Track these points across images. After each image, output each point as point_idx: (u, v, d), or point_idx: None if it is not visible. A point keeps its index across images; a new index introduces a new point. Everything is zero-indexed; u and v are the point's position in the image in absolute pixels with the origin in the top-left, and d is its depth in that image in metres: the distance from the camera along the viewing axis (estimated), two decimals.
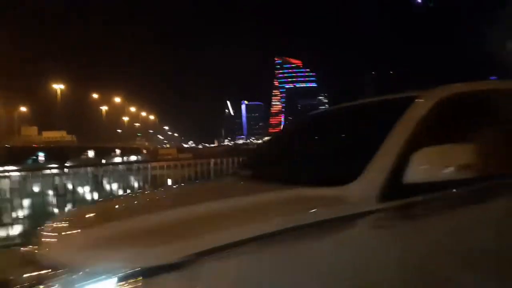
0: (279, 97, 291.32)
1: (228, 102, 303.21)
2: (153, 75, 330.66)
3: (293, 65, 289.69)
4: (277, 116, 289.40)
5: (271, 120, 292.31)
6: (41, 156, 55.36)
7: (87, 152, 70.07)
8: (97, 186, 7.55)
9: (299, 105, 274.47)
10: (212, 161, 8.36)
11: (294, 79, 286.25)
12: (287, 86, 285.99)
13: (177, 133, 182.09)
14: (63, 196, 7.00)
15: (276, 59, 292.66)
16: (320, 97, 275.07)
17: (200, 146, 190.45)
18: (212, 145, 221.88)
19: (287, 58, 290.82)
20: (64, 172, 7.46)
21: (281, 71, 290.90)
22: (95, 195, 7.38)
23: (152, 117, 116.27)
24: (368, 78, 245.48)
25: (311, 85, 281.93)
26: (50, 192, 6.92)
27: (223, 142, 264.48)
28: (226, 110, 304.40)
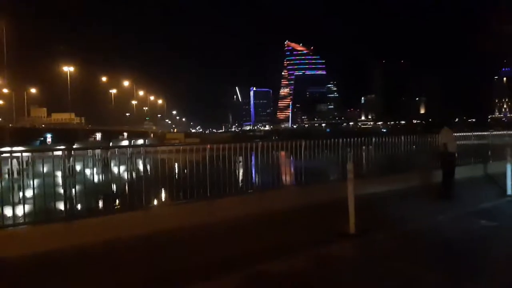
0: (287, 84, 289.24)
1: (237, 88, 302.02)
2: (162, 60, 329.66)
3: (303, 52, 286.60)
4: (285, 100, 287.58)
5: (279, 103, 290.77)
6: (49, 138, 55.74)
7: (95, 135, 70.53)
8: (104, 168, 7.57)
9: (308, 92, 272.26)
10: (220, 146, 8.33)
11: (303, 66, 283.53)
12: (296, 73, 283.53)
13: (185, 118, 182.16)
14: (70, 177, 7.02)
15: (286, 45, 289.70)
16: (329, 85, 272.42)
17: (207, 132, 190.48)
18: (220, 131, 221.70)
19: (297, 45, 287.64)
20: (71, 154, 7.46)
21: (290, 58, 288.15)
22: (102, 177, 7.40)
23: (160, 101, 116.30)
24: (377, 66, 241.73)
25: (320, 73, 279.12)
26: (58, 174, 6.94)
27: (231, 128, 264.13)
28: (235, 96, 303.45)
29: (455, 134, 10.51)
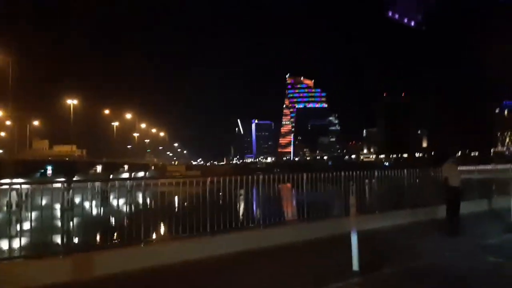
0: (289, 117, 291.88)
1: (239, 121, 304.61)
2: (165, 93, 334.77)
3: (304, 85, 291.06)
4: (287, 136, 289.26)
5: (280, 140, 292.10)
6: (49, 170, 55.74)
7: (96, 167, 70.50)
8: (103, 201, 7.49)
9: (309, 125, 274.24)
10: (220, 179, 8.25)
11: (305, 99, 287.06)
12: (298, 106, 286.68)
13: (186, 151, 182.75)
14: (69, 210, 6.92)
15: (287, 78, 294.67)
16: (331, 118, 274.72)
17: (208, 164, 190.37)
18: (221, 163, 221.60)
19: (299, 78, 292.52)
20: (71, 187, 7.40)
21: (292, 91, 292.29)
22: (102, 210, 7.30)
23: (162, 133, 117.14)
24: (379, 99, 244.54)
25: (322, 106, 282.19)
26: (57, 206, 6.85)
27: (232, 160, 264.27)
28: (236, 129, 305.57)
29: (460, 168, 10.42)
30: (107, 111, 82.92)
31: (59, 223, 6.80)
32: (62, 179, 9.13)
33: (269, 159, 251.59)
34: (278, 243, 7.98)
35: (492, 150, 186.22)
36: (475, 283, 5.66)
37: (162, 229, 8.32)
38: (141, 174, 64.06)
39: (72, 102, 66.98)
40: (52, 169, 55.84)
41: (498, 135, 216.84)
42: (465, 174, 12.19)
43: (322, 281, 5.67)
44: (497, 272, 6.28)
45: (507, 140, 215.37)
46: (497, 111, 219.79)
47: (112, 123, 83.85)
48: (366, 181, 10.65)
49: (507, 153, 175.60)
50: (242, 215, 8.71)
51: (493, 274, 6.16)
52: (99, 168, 69.89)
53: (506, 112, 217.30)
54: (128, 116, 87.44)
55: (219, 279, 6.13)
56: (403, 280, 5.93)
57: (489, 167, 14.32)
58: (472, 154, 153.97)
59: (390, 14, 10.35)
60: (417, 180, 11.47)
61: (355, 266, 6.12)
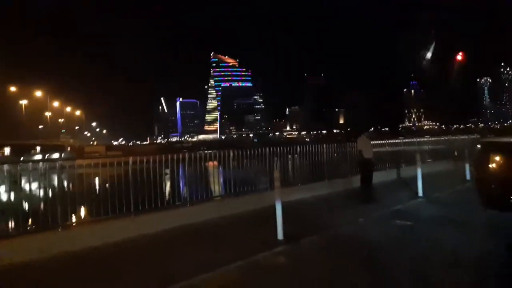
0: (215, 96, 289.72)
1: (162, 99, 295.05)
2: (80, 70, 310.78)
3: (229, 64, 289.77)
4: (213, 113, 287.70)
5: (206, 117, 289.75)
6: None
7: (3, 150, 64.16)
8: (14, 185, 6.85)
9: (235, 104, 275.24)
10: (143, 159, 7.99)
11: (230, 78, 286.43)
12: (223, 85, 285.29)
13: (106, 130, 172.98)
14: None
15: (212, 57, 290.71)
16: (256, 97, 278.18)
17: (131, 144, 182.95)
18: (145, 142, 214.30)
19: (223, 57, 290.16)
20: None
21: (217, 70, 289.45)
22: (12, 196, 6.69)
23: (78, 112, 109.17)
24: (301, 79, 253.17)
25: (246, 85, 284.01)
26: None
27: (157, 140, 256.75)
28: (160, 107, 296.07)
29: (372, 142, 11.27)
30: (13, 88, 75.06)
31: None
32: None
33: (195, 138, 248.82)
34: (205, 220, 8.04)
35: (400, 126, 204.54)
36: (385, 245, 6.25)
37: (82, 212, 7.89)
38: (56, 156, 59.52)
39: None
40: None
41: (406, 112, 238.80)
42: (377, 147, 13.25)
43: (248, 252, 5.83)
44: (403, 233, 6.99)
45: (413, 116, 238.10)
46: (405, 90, 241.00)
47: (20, 102, 76.21)
48: (289, 156, 11.08)
49: (413, 128, 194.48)
50: (168, 194, 8.58)
51: (400, 235, 6.85)
52: (7, 151, 63.61)
53: (413, 92, 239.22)
54: (39, 94, 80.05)
55: (140, 258, 6.03)
56: (323, 245, 6.35)
57: (397, 140, 15.68)
58: (383, 129, 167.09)
59: None
60: (335, 154, 12.20)
61: (280, 235, 6.42)
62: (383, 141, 14.37)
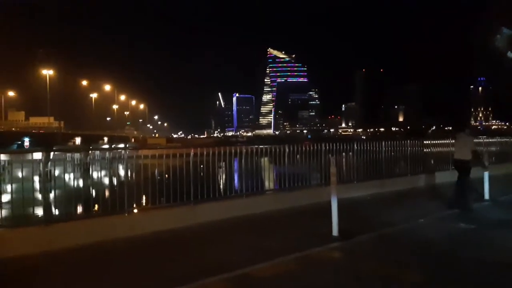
0: (270, 91, 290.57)
1: (220, 94, 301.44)
2: (145, 64, 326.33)
3: (285, 60, 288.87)
4: (268, 106, 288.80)
5: (262, 110, 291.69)
6: (27, 142, 54.36)
7: (75, 139, 69.15)
8: (84, 173, 7.42)
9: (290, 99, 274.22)
10: (203, 151, 8.29)
11: (286, 74, 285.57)
12: (278, 80, 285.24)
13: (166, 123, 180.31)
14: (48, 182, 6.85)
15: (268, 53, 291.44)
16: (311, 93, 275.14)
17: (189, 137, 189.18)
18: (202, 136, 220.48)
19: (279, 53, 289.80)
20: (51, 158, 7.31)
21: (273, 65, 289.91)
22: (81, 182, 7.25)
23: (142, 106, 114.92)
24: (358, 74, 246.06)
25: (302, 80, 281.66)
26: (36, 178, 6.78)
27: (213, 133, 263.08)
28: (217, 102, 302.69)
29: (443, 141, 10.69)
30: (85, 82, 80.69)
31: (39, 195, 6.77)
32: (41, 150, 8.96)
33: (250, 133, 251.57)
34: (260, 212, 8.19)
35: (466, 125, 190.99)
36: (444, 246, 6.00)
37: (145, 200, 8.37)
38: (121, 146, 63.12)
39: (48, 72, 64.62)
40: (30, 141, 54.40)
41: (472, 110, 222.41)
42: (439, 147, 12.66)
43: (304, 246, 5.86)
44: (465, 235, 6.66)
45: (480, 115, 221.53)
46: (471, 87, 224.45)
47: (91, 95, 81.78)
48: (344, 154, 10.88)
49: (480, 127, 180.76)
50: (225, 186, 8.84)
51: (461, 237, 6.54)
52: (78, 140, 68.57)
53: (480, 88, 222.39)
54: (107, 87, 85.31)
55: (196, 245, 6.29)
56: (379, 244, 6.22)
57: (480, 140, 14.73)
58: (446, 128, 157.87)
59: None
60: (393, 153, 11.79)
61: (335, 231, 6.36)
62: (446, 141, 13.64)
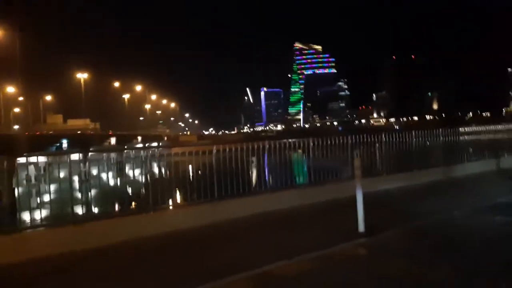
0: (298, 83, 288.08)
1: (248, 89, 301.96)
2: (173, 63, 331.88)
3: (313, 51, 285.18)
4: (296, 102, 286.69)
5: (290, 105, 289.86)
6: (65, 143, 56.58)
7: (110, 140, 71.33)
8: (120, 172, 7.72)
9: (318, 91, 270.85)
10: (232, 147, 8.45)
11: (314, 65, 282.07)
12: (306, 73, 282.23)
13: (197, 121, 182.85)
14: (86, 182, 7.20)
15: (295, 45, 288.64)
16: (340, 83, 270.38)
17: (220, 133, 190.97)
18: (232, 132, 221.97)
19: (307, 44, 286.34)
20: (87, 158, 7.65)
21: (300, 57, 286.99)
22: (118, 181, 7.55)
23: (173, 104, 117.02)
24: (388, 62, 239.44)
25: (330, 71, 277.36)
26: (75, 178, 7.12)
27: (243, 129, 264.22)
28: (246, 97, 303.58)
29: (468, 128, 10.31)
30: (117, 84, 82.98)
31: (77, 194, 7.11)
32: (78, 152, 9.39)
33: (279, 127, 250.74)
34: (285, 207, 8.23)
35: (504, 110, 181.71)
36: (478, 241, 5.81)
37: (176, 197, 8.60)
38: (154, 144, 64.60)
39: (82, 76, 67.05)
40: (68, 143, 56.65)
41: (510, 94, 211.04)
42: (473, 134, 12.21)
43: (329, 242, 5.82)
44: (504, 228, 6.37)
45: None
46: (509, 70, 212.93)
47: (123, 96, 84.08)
48: (376, 145, 10.72)
49: None
50: (252, 181, 8.95)
51: (499, 230, 6.27)
52: (113, 141, 70.68)
53: None
54: (139, 88, 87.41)
55: (222, 242, 6.44)
56: (408, 240, 6.05)
57: (499, 127, 14.16)
58: (484, 114, 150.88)
59: None
60: (427, 142, 11.50)
61: (361, 227, 6.19)
62: (481, 128, 13.17)
